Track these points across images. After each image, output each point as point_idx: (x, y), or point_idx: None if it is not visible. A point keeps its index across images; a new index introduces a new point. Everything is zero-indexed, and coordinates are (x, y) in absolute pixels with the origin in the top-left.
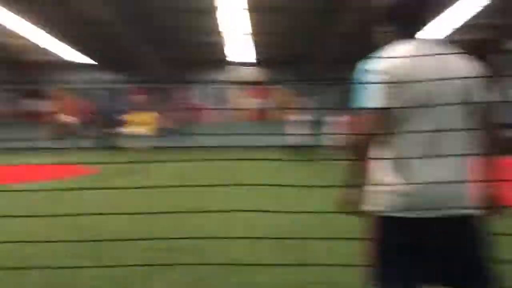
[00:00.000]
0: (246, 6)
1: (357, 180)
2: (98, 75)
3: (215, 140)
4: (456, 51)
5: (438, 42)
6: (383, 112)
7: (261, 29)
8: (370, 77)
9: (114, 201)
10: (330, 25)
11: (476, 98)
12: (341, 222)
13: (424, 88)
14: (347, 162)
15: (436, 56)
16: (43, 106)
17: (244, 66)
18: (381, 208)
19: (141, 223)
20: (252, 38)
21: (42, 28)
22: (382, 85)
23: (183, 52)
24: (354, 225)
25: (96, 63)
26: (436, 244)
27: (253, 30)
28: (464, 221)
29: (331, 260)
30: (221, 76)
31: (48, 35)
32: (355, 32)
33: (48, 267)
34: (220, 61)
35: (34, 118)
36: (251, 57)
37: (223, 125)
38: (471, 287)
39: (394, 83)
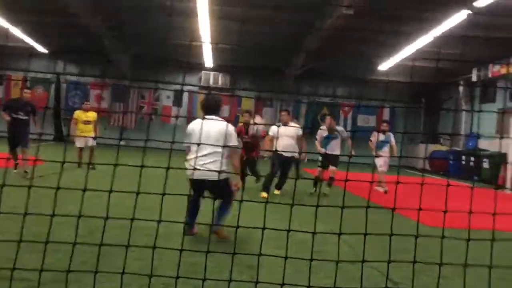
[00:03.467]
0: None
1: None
2: (53, 65)
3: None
4: (217, 120)
5: (211, 118)
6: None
7: (229, 37)
8: (187, 130)
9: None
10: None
11: (226, 139)
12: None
13: (201, 134)
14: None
15: (207, 122)
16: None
17: (215, 71)
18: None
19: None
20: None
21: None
22: (187, 133)
23: (155, 52)
24: None
25: (49, 51)
26: (201, 187)
27: (220, 37)
28: (212, 181)
29: None
30: (193, 80)
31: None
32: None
33: None
34: (193, 65)
35: None
36: (221, 63)
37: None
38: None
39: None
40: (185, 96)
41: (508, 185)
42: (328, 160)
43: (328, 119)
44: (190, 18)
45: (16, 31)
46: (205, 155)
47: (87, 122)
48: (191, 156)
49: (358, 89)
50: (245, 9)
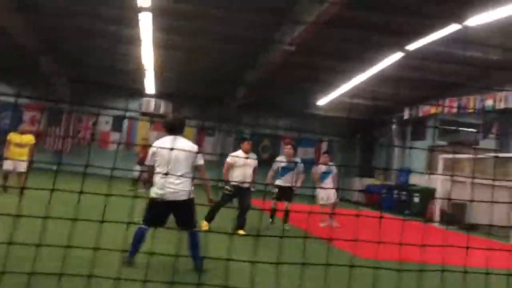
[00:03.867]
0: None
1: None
2: None
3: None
4: (184, 140)
5: (176, 137)
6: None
7: (172, 64)
8: (152, 149)
9: None
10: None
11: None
12: None
13: (168, 155)
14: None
15: (173, 142)
16: None
17: (156, 98)
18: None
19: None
20: (165, 73)
21: None
22: (152, 152)
23: (95, 76)
24: None
25: None
26: (169, 209)
27: (164, 64)
28: (181, 201)
29: None
30: (134, 106)
31: None
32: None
33: None
34: (134, 91)
35: None
36: (163, 90)
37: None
38: (185, 228)
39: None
40: (125, 122)
41: (435, 218)
42: (285, 192)
43: (289, 148)
44: (133, 45)
45: None
46: (176, 175)
47: (21, 145)
48: (158, 176)
49: (298, 122)
50: (189, 38)
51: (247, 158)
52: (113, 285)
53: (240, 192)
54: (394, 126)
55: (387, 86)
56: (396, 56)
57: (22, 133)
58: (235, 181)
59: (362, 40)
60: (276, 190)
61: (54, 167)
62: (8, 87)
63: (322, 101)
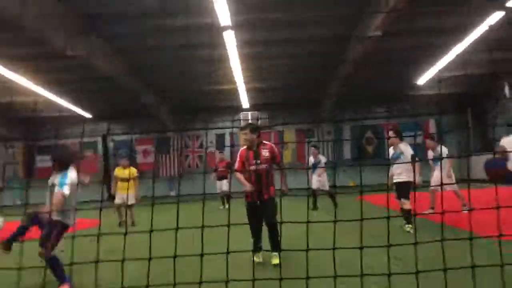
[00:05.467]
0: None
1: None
2: (95, 127)
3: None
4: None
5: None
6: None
7: (262, 75)
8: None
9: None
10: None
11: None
12: None
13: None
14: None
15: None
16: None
17: (252, 111)
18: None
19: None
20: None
21: (44, 86)
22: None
23: (192, 100)
24: None
25: (91, 115)
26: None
27: (253, 78)
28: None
29: None
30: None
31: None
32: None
33: None
34: (231, 108)
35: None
36: (257, 102)
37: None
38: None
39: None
40: (227, 140)
41: None
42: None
43: (391, 135)
44: (222, 64)
45: (61, 101)
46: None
47: (124, 180)
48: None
49: (399, 107)
50: (273, 47)
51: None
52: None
53: None
54: (506, 89)
55: (490, 53)
56: (497, 15)
57: (124, 167)
58: None
59: (455, 6)
60: (394, 187)
61: (172, 193)
62: (120, 125)
63: (421, 80)
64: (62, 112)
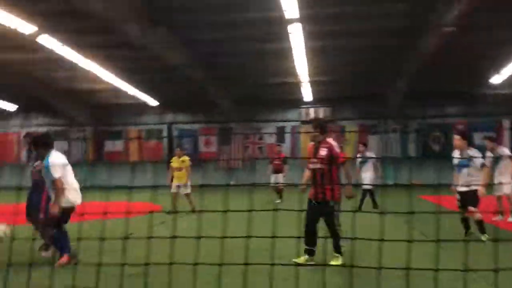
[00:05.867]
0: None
1: None
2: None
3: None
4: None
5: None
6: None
7: (327, 68)
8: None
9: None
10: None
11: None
12: None
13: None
14: None
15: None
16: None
17: (315, 105)
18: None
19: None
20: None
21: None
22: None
23: (254, 93)
24: None
25: (157, 104)
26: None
27: (319, 70)
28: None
29: None
30: (294, 116)
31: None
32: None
33: None
34: (293, 102)
35: (114, 158)
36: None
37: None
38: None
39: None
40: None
41: None
42: (466, 197)
43: (457, 139)
44: (286, 57)
45: (130, 89)
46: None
47: (179, 169)
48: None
49: (469, 106)
50: (340, 40)
51: None
52: None
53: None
54: None
55: None
56: None
57: (179, 156)
58: None
59: None
60: (458, 196)
61: (232, 182)
62: (183, 116)
63: (495, 79)
64: (130, 99)
